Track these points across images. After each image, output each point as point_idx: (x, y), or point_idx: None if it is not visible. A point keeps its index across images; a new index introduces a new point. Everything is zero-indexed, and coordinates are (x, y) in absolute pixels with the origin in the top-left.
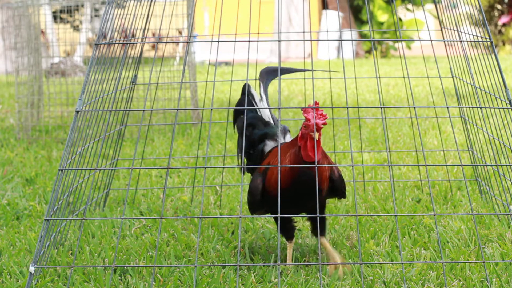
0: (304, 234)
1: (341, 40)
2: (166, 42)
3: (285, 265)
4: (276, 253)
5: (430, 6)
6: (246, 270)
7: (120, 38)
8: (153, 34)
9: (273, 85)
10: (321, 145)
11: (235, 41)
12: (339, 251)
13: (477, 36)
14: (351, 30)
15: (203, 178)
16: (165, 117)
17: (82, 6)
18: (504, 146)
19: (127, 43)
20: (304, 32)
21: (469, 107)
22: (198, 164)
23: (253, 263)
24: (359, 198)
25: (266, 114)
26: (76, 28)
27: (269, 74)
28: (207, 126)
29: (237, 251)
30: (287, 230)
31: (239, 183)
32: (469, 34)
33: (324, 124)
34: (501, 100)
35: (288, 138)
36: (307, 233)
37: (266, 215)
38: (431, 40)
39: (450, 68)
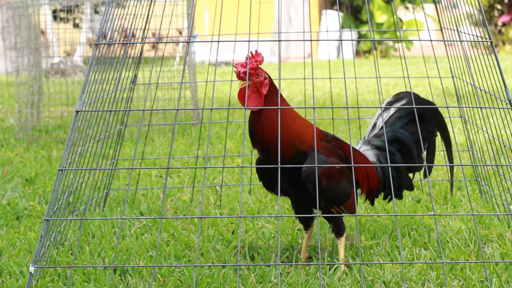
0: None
1: (341, 40)
2: (166, 42)
3: (285, 265)
4: (276, 253)
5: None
6: (246, 270)
7: (120, 38)
8: (153, 34)
9: None
10: (261, 95)
11: (235, 41)
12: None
13: (477, 36)
14: (351, 30)
15: (203, 178)
16: (165, 117)
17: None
18: (504, 146)
19: (127, 43)
20: (304, 32)
21: (469, 107)
22: (198, 164)
23: (253, 263)
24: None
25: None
26: (76, 26)
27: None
28: (207, 126)
29: (237, 251)
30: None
31: (239, 183)
32: (469, 34)
33: (252, 68)
34: (501, 100)
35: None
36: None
37: (266, 215)
38: (431, 40)
39: (450, 68)
